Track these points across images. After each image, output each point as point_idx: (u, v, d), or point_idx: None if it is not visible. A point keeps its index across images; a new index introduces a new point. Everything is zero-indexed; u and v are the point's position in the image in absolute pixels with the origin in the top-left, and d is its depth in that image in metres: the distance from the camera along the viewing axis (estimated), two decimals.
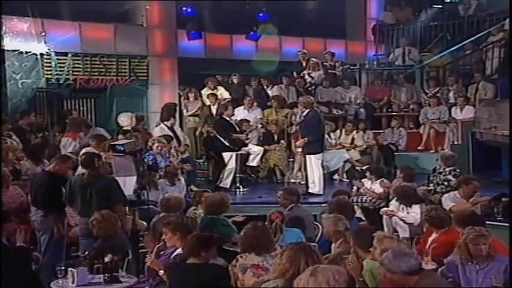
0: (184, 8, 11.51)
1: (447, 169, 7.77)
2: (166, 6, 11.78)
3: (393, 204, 6.97)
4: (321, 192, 8.57)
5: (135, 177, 5.35)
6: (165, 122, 9.37)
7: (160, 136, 8.66)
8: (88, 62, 10.95)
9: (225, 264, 4.54)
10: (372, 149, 10.67)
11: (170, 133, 9.07)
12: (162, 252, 4.94)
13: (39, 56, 10.22)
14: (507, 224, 6.01)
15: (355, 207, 7.14)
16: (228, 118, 9.36)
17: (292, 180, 9.81)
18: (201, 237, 4.51)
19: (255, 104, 10.71)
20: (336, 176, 10.20)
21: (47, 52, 10.29)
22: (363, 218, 7.28)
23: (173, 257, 4.67)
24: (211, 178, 9.79)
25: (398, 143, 11.01)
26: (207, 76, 11.26)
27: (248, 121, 9.97)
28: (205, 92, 11.10)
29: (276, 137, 10.13)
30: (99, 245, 5.09)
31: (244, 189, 9.22)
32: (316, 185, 8.58)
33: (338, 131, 10.69)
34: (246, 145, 9.36)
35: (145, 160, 7.63)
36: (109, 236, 5.11)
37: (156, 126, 9.51)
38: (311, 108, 8.64)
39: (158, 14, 11.83)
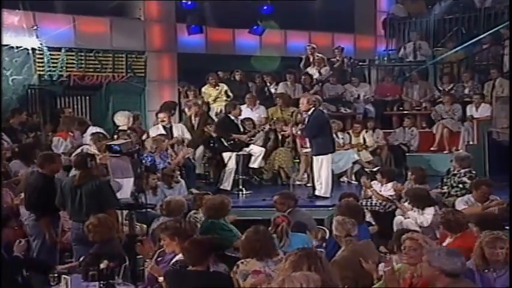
0: (184, 1, 11.51)
1: (462, 171, 7.75)
2: None
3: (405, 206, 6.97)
4: (328, 195, 8.55)
5: (132, 179, 5.34)
6: (161, 122, 9.40)
7: (158, 136, 8.67)
8: (82, 58, 10.97)
9: (226, 271, 4.54)
10: (381, 150, 10.66)
11: (164, 133, 9.08)
12: (160, 259, 4.94)
13: (30, 51, 10.24)
14: None
15: (365, 210, 7.11)
16: (233, 118, 9.36)
17: (298, 183, 9.80)
18: (201, 242, 4.50)
19: (258, 102, 10.71)
20: (344, 178, 10.18)
21: (39, 47, 10.30)
22: (372, 222, 7.25)
23: (172, 264, 4.67)
24: (212, 180, 9.78)
25: (410, 143, 10.99)
26: (208, 73, 11.26)
27: (252, 120, 9.96)
28: (206, 89, 11.11)
29: (280, 137, 10.12)
30: (95, 250, 5.08)
31: (247, 192, 9.21)
32: (323, 187, 8.57)
33: (347, 133, 10.67)
34: (247, 145, 9.33)
35: (143, 161, 7.65)
36: (106, 241, 5.11)
37: (154, 125, 9.54)
38: (315, 107, 8.61)
39: (156, 7, 11.85)
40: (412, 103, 11.82)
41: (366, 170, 10.07)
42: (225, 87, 11.13)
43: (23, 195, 6.38)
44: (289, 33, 13.47)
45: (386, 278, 3.99)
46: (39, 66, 10.42)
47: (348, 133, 10.61)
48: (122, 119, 9.33)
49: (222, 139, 9.24)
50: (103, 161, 7.00)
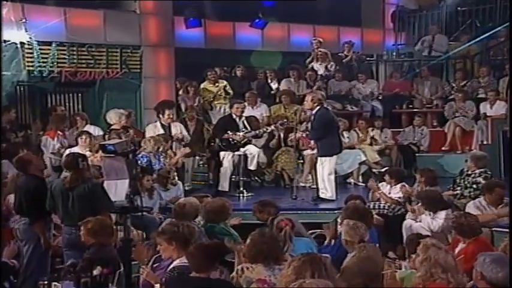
0: None
1: (477, 171, 7.77)
2: None
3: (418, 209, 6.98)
4: (334, 198, 8.56)
5: (127, 181, 5.35)
6: (159, 120, 9.42)
7: (158, 135, 8.69)
8: (74, 53, 10.96)
9: (228, 275, 4.53)
10: (390, 150, 10.66)
11: (162, 131, 9.10)
12: (156, 265, 4.94)
13: (19, 46, 10.23)
14: None
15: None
16: (234, 116, 9.37)
17: (302, 184, 9.82)
18: (208, 247, 4.50)
19: (259, 100, 10.71)
20: (350, 180, 10.18)
21: (28, 41, 10.29)
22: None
23: (170, 270, 4.66)
24: (212, 182, 9.80)
25: (420, 142, 11.00)
26: (207, 68, 11.26)
27: (255, 118, 9.97)
28: (205, 86, 11.11)
29: (282, 136, 10.13)
30: (91, 255, 5.08)
31: (249, 194, 9.23)
32: (328, 189, 8.57)
33: (354, 131, 10.67)
34: (245, 145, 9.33)
35: (139, 162, 7.66)
36: (104, 245, 5.11)
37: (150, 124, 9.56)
38: (320, 105, 8.61)
39: None
40: (423, 100, 11.83)
41: (374, 171, 10.08)
42: (225, 84, 11.14)
43: (10, 198, 6.39)
44: (293, 27, 13.47)
45: (387, 283, 3.97)
46: (28, 62, 10.40)
47: (355, 130, 10.62)
48: (113, 117, 9.34)
49: (217, 139, 9.27)
50: (95, 162, 7.02)
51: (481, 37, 12.51)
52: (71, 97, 11.25)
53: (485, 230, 6.20)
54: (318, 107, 8.50)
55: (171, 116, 9.49)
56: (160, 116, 9.51)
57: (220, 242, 5.29)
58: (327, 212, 7.96)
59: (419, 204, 7.07)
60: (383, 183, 8.03)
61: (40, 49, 10.48)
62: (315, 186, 9.32)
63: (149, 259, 4.93)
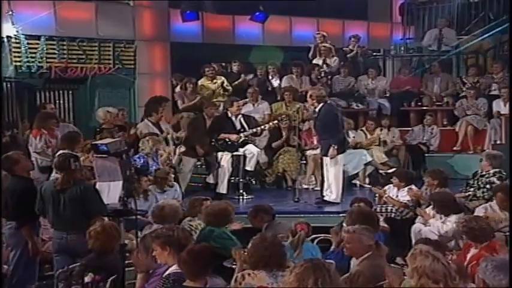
0: None
1: (491, 171, 7.77)
2: None
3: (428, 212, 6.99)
4: (339, 201, 8.58)
5: (120, 183, 5.36)
6: (149, 118, 9.42)
7: (152, 133, 8.69)
8: (64, 47, 10.97)
9: (224, 285, 4.54)
10: (398, 150, 10.67)
11: (156, 130, 9.10)
12: (151, 271, 4.94)
13: (5, 40, 10.25)
14: None
15: (379, 217, 7.12)
16: (230, 115, 9.37)
17: (305, 186, 9.83)
18: (201, 252, 4.47)
19: (260, 96, 10.73)
20: (355, 181, 10.19)
21: (15, 35, 10.31)
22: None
23: (165, 277, 4.67)
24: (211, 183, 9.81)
25: (430, 142, 11.01)
26: (205, 64, 11.27)
27: (253, 117, 9.98)
28: (203, 82, 11.12)
29: (284, 134, 10.14)
30: (89, 261, 5.08)
31: (249, 197, 9.24)
32: (333, 191, 8.59)
33: (361, 131, 10.68)
34: (243, 145, 9.34)
35: (135, 162, 7.67)
36: (105, 251, 5.11)
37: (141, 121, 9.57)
38: (324, 102, 8.62)
39: None
40: (433, 98, 11.83)
41: (381, 172, 10.09)
42: (222, 80, 11.15)
43: None
44: (295, 20, 13.49)
45: None
46: (15, 57, 10.42)
47: (362, 130, 10.63)
48: (101, 116, 9.36)
49: (212, 138, 9.29)
50: (88, 162, 7.03)
51: (495, 30, 12.48)
52: (60, 94, 11.27)
53: (499, 234, 6.20)
54: (322, 103, 8.53)
55: (162, 114, 9.50)
56: (153, 113, 9.46)
57: (216, 247, 5.29)
58: (331, 215, 7.98)
59: (430, 207, 7.07)
60: (390, 185, 8.03)
61: (28, 43, 10.50)
62: (318, 188, 9.35)
63: (147, 266, 4.92)
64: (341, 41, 13.20)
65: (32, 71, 10.65)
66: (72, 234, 5.69)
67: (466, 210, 7.13)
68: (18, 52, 10.42)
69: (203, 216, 6.09)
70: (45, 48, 10.72)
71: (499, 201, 6.79)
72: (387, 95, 12.13)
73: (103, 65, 11.38)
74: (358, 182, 10.17)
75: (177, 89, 11.24)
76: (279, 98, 11.07)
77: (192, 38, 12.31)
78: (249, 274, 4.42)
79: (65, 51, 10.97)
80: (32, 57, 10.57)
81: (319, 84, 11.10)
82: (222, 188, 9.21)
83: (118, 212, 5.45)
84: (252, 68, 12.17)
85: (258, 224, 6.36)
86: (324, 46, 11.95)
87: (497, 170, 7.76)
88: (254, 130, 9.41)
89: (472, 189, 7.98)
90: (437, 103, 11.80)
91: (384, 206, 7.75)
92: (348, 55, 12.44)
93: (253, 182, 9.86)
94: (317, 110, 8.59)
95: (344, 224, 5.83)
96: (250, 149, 9.40)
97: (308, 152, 9.96)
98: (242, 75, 11.70)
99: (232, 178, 9.33)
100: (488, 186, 7.72)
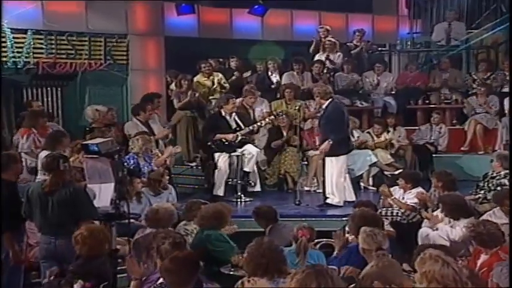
0: None
1: (502, 172, 7.78)
2: None
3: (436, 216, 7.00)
4: (342, 204, 8.60)
5: (112, 185, 5.36)
6: (137, 117, 9.42)
7: (142, 132, 8.70)
8: (53, 42, 10.99)
9: None
10: (405, 151, 10.68)
11: (145, 129, 9.11)
12: (144, 278, 4.95)
13: None
14: None
15: (384, 220, 7.13)
16: (224, 113, 9.37)
17: (307, 188, 9.84)
18: (187, 259, 4.42)
19: (259, 94, 10.73)
20: (360, 183, 10.18)
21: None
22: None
23: (158, 285, 4.67)
24: (207, 186, 9.84)
25: (438, 142, 11.01)
26: (201, 60, 11.28)
27: (250, 116, 10.00)
28: (198, 79, 11.13)
29: (285, 134, 10.15)
30: (77, 267, 5.08)
31: (248, 200, 9.25)
32: (336, 194, 8.61)
33: (367, 133, 10.68)
34: (242, 146, 9.35)
35: (126, 163, 7.67)
36: (93, 257, 5.11)
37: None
38: (330, 98, 8.66)
39: None
40: (441, 95, 11.84)
41: (386, 173, 10.10)
42: (220, 77, 11.16)
43: None
44: (296, 13, 13.49)
45: None
46: (1, 52, 10.42)
47: (369, 133, 10.63)
48: (90, 115, 9.38)
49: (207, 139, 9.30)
50: (77, 163, 7.03)
51: (507, 24, 12.46)
52: (48, 91, 11.28)
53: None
54: (329, 100, 8.61)
55: (152, 113, 9.49)
56: (141, 112, 9.46)
57: (206, 251, 5.29)
58: (334, 219, 7.99)
59: (438, 210, 7.08)
60: (396, 187, 8.04)
61: (14, 38, 10.51)
62: (320, 191, 9.36)
63: (142, 273, 4.92)
64: (344, 35, 13.19)
65: (19, 66, 10.67)
66: (60, 239, 5.68)
67: (476, 214, 7.13)
68: (3, 47, 10.40)
69: (198, 219, 6.11)
70: (32, 43, 10.74)
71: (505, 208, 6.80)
72: (393, 92, 12.14)
73: (93, 61, 11.39)
74: (362, 184, 10.17)
75: (172, 86, 11.24)
76: (279, 95, 11.07)
77: (187, 33, 12.32)
78: (248, 281, 4.42)
79: (53, 46, 10.99)
80: (18, 52, 10.58)
81: (321, 81, 11.12)
82: (220, 191, 9.21)
83: (110, 215, 5.45)
84: (251, 64, 12.18)
85: (262, 225, 6.50)
86: (330, 41, 11.94)
87: (508, 171, 7.76)
88: (251, 128, 9.41)
89: (482, 191, 8.00)
90: (446, 101, 11.80)
91: (390, 209, 7.76)
92: (352, 51, 12.42)
93: (252, 183, 9.87)
94: (324, 107, 8.65)
95: (347, 228, 5.85)
96: (249, 149, 9.41)
97: (310, 153, 9.97)
98: (236, 73, 11.69)
99: (230, 180, 9.34)
100: (499, 188, 7.72)
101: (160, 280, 4.70)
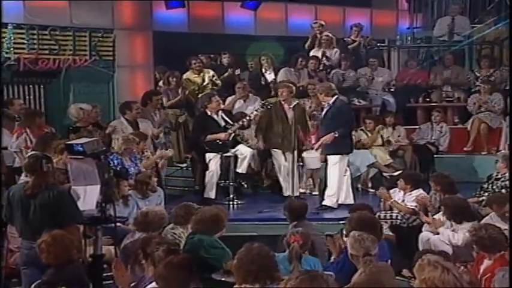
0: None
1: (507, 173, 7.80)
2: None
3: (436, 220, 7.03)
4: (336, 206, 8.68)
5: (98, 187, 5.36)
6: (125, 115, 9.42)
7: (131, 133, 8.70)
8: (35, 37, 10.96)
9: None
10: (405, 151, 10.71)
11: (130, 129, 9.12)
12: (133, 284, 4.96)
13: None
14: None
15: (383, 224, 7.15)
16: (210, 113, 9.37)
17: (302, 190, 9.84)
18: (181, 265, 4.44)
19: (252, 92, 10.74)
20: (357, 185, 10.20)
21: None
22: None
23: None
24: (198, 187, 9.85)
25: (439, 142, 11.05)
26: (191, 56, 11.28)
27: (246, 114, 10.00)
28: (188, 76, 11.13)
29: None
30: (49, 276, 5.07)
31: (240, 202, 9.28)
32: (335, 196, 8.66)
33: (361, 130, 10.70)
34: (233, 146, 9.36)
35: (111, 164, 7.66)
36: (63, 264, 5.11)
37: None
38: (336, 95, 8.83)
39: None
40: (442, 93, 11.88)
41: (385, 175, 10.12)
42: (211, 74, 11.16)
43: None
44: (291, 7, 13.50)
45: None
46: (1, 50, 10.40)
47: (362, 130, 10.64)
48: (73, 113, 9.37)
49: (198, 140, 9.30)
50: (61, 164, 7.02)
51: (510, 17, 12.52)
52: (30, 89, 11.24)
53: None
54: (336, 97, 8.77)
55: (139, 111, 9.49)
56: (127, 111, 9.46)
57: (201, 257, 5.30)
58: (331, 222, 8.01)
59: (439, 213, 7.11)
60: (395, 189, 8.06)
61: None
62: (316, 193, 9.38)
63: (128, 282, 4.93)
64: (341, 30, 13.23)
65: None
66: None
67: (479, 217, 7.16)
68: None
69: (193, 223, 6.11)
70: (12, 38, 10.70)
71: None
72: (392, 89, 12.17)
73: (78, 57, 11.37)
74: (360, 186, 10.19)
75: (161, 83, 11.25)
76: (273, 93, 11.07)
77: (177, 27, 12.31)
78: None
79: (35, 41, 10.96)
80: None
81: (316, 78, 11.14)
82: (211, 193, 9.22)
83: (95, 219, 5.45)
84: (244, 60, 12.18)
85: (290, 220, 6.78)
86: (326, 36, 11.97)
87: None
88: (240, 123, 9.42)
89: (486, 193, 8.02)
90: (448, 99, 11.84)
91: (389, 212, 7.78)
92: (350, 46, 12.45)
93: (246, 185, 9.89)
94: (330, 102, 8.75)
95: (344, 232, 5.87)
96: (242, 150, 9.42)
97: (305, 153, 9.97)
98: (230, 69, 11.69)
99: (222, 182, 9.35)
100: (504, 190, 7.75)
101: (149, 286, 4.70)
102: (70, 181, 5.79)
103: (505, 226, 6.54)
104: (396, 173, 9.47)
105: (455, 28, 12.78)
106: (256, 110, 9.64)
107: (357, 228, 5.56)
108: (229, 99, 10.56)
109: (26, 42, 10.84)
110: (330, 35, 12.05)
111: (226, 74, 11.62)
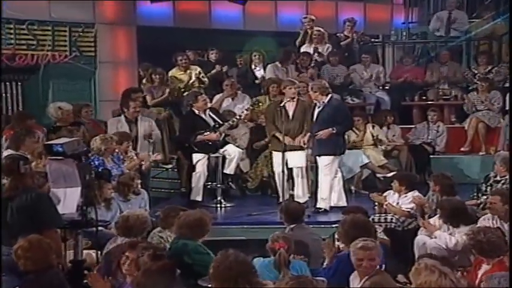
0: None
1: (507, 176, 7.83)
2: None
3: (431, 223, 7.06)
4: (328, 208, 8.69)
5: (79, 189, 5.34)
6: (124, 114, 9.42)
7: (113, 134, 8.67)
8: (11, 31, 10.91)
9: None
10: (399, 151, 10.74)
11: (127, 128, 9.10)
12: None
13: None
14: None
15: (378, 227, 7.18)
16: (197, 111, 9.36)
17: (292, 193, 9.84)
18: (161, 272, 4.43)
19: (240, 90, 10.74)
20: (350, 187, 10.23)
21: None
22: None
23: None
24: (184, 190, 9.84)
25: (436, 142, 11.08)
26: (177, 52, 11.27)
27: (234, 113, 10.01)
28: (174, 73, 11.11)
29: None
30: (27, 283, 5.05)
31: (228, 205, 9.28)
32: (327, 198, 8.68)
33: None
34: (222, 146, 9.36)
35: (93, 165, 7.64)
36: (41, 270, 5.09)
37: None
38: (330, 94, 8.88)
39: None
40: (439, 91, 11.92)
41: (379, 176, 10.14)
42: (198, 71, 11.15)
43: None
44: (281, 1, 13.52)
45: None
46: (1, 49, 10.36)
47: (352, 129, 10.61)
48: (51, 112, 9.35)
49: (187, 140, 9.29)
50: (40, 167, 7.00)
51: (510, 13, 12.58)
52: (7, 86, 11.19)
53: None
54: (330, 95, 8.81)
55: (138, 109, 9.46)
56: (125, 109, 9.45)
57: (177, 262, 5.30)
58: (323, 226, 8.02)
59: (436, 216, 7.13)
60: (390, 191, 8.08)
61: None
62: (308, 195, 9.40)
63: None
64: (334, 25, 13.25)
65: None
66: None
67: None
68: None
69: (176, 228, 6.11)
70: None
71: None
72: (386, 87, 12.19)
73: (57, 52, 11.34)
74: (353, 188, 10.21)
75: (144, 80, 11.23)
76: (263, 91, 11.08)
77: (162, 22, 12.30)
78: None
79: (12, 36, 10.91)
80: None
81: (307, 74, 11.15)
82: (197, 195, 9.21)
83: (75, 223, 5.44)
84: (232, 56, 12.18)
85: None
86: (318, 31, 11.98)
87: None
88: (230, 122, 9.42)
89: (484, 196, 8.03)
90: (444, 97, 11.88)
91: (383, 215, 7.80)
92: (342, 42, 12.47)
93: (233, 187, 9.90)
94: (325, 101, 8.76)
95: (336, 236, 5.89)
96: (230, 150, 9.41)
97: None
98: (217, 66, 11.69)
99: (209, 183, 9.35)
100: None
101: None
102: (49, 183, 5.77)
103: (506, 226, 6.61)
104: (390, 175, 9.48)
105: (453, 23, 12.82)
106: (246, 110, 9.65)
107: (349, 231, 5.58)
108: (216, 97, 10.54)
109: (2, 37, 10.77)
110: (322, 30, 12.07)
111: (213, 71, 11.62)
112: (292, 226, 6.67)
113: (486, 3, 13.69)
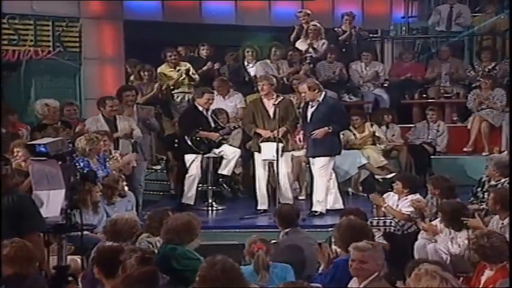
0: None
1: (502, 179, 7.85)
2: None
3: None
4: (324, 211, 8.72)
5: (63, 191, 5.34)
6: (102, 112, 9.40)
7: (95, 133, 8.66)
8: None
9: None
10: (399, 151, 10.75)
11: (107, 127, 9.08)
12: None
13: None
14: None
15: (376, 231, 7.19)
16: (201, 108, 9.38)
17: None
18: (142, 280, 4.42)
19: (232, 87, 10.74)
20: (348, 189, 10.24)
21: None
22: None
23: None
24: (174, 192, 9.83)
25: (436, 142, 11.10)
26: (166, 48, 11.25)
27: (226, 112, 10.01)
28: (163, 69, 11.10)
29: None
30: None
31: (220, 208, 9.29)
32: (323, 201, 8.69)
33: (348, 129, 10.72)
34: (218, 146, 9.37)
35: (78, 167, 7.63)
36: (23, 277, 5.08)
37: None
38: (324, 92, 8.87)
39: None
40: (440, 88, 11.94)
41: (377, 177, 10.16)
42: (188, 67, 11.14)
43: None
44: None
45: None
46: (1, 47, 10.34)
47: (349, 129, 10.62)
48: (38, 109, 9.33)
49: (186, 137, 9.26)
50: (24, 167, 7.00)
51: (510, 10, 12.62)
52: None
53: None
54: (323, 93, 8.80)
55: (115, 108, 9.43)
56: (101, 108, 9.42)
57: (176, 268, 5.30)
58: (318, 229, 8.04)
59: (437, 220, 7.14)
60: (390, 193, 8.09)
61: None
62: (302, 198, 9.40)
63: None
64: (330, 20, 13.25)
65: None
66: None
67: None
68: None
69: (163, 233, 6.12)
70: None
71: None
72: (385, 85, 12.20)
73: (40, 48, 11.33)
74: (350, 190, 10.22)
75: (132, 77, 11.21)
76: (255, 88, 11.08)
77: (150, 16, 12.30)
78: None
79: None
80: None
81: (302, 72, 11.16)
82: (190, 198, 9.21)
83: (59, 226, 5.43)
84: (224, 52, 12.17)
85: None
86: (314, 26, 11.97)
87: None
88: (231, 127, 9.45)
89: (483, 204, 7.99)
90: (446, 95, 11.90)
91: (382, 218, 7.80)
92: (340, 37, 12.46)
93: (226, 188, 9.90)
94: (320, 99, 8.76)
95: (332, 240, 5.89)
96: (227, 151, 9.41)
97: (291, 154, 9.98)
98: (209, 62, 11.68)
99: (200, 185, 9.34)
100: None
101: None
102: (32, 185, 5.76)
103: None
104: (389, 176, 9.50)
105: (454, 17, 12.84)
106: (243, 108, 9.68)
107: (345, 235, 5.59)
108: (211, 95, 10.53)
109: None
110: (318, 25, 12.06)
111: (205, 68, 11.61)
112: (286, 230, 6.67)
113: None
